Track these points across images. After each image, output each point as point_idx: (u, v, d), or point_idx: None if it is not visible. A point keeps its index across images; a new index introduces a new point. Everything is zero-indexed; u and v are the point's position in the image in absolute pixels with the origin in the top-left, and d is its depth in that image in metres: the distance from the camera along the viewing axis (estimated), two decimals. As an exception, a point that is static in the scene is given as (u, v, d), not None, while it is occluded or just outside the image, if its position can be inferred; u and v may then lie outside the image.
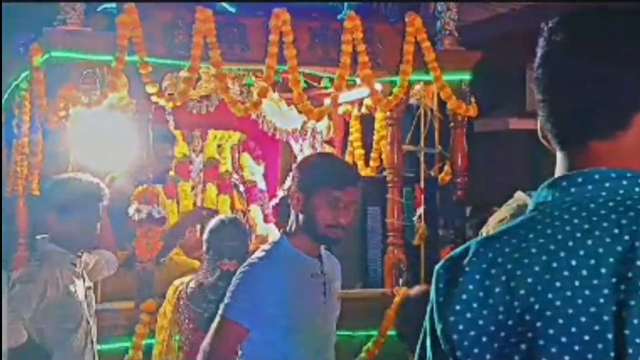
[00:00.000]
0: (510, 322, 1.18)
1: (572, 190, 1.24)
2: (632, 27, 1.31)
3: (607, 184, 1.22)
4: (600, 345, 1.13)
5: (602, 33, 1.30)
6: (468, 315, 1.21)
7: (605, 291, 1.15)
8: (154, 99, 5.37)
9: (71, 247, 4.20)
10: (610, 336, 1.13)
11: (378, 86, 6.02)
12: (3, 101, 6.32)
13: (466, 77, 6.22)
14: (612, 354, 1.12)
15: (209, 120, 7.31)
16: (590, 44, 1.29)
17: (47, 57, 5.30)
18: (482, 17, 12.89)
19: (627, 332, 1.12)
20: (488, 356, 1.19)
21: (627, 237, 1.17)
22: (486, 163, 11.45)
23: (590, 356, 1.13)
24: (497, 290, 1.19)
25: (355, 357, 5.64)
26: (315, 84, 6.17)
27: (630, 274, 1.14)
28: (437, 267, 1.32)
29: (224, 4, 5.84)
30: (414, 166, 6.43)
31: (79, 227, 4.14)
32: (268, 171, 7.93)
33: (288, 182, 8.08)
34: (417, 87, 6.12)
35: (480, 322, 1.20)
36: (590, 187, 1.23)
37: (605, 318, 1.14)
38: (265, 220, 7.59)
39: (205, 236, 4.85)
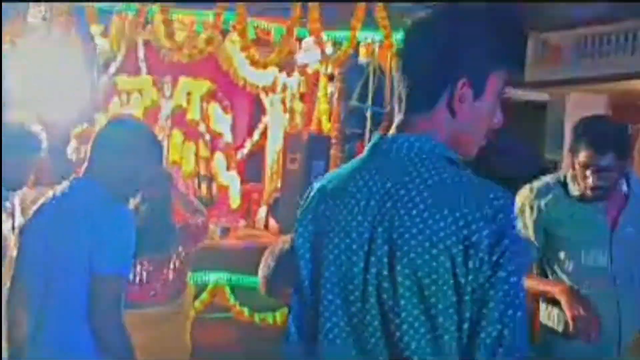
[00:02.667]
0: (319, 231, 1.71)
1: (378, 146, 1.71)
2: (447, 28, 1.69)
3: (395, 145, 1.68)
4: (360, 253, 1.64)
5: (426, 31, 1.71)
6: (304, 222, 1.75)
7: (369, 218, 1.64)
8: (97, 39, 5.45)
9: (4, 184, 4.25)
10: (366, 247, 1.63)
11: (329, 48, 6.06)
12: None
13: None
14: (364, 257, 1.63)
15: (180, 67, 7.36)
16: (418, 39, 1.71)
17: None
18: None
19: (373, 246, 1.62)
20: (308, 255, 1.73)
21: (388, 184, 1.64)
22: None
23: (354, 258, 1.64)
24: (321, 207, 1.72)
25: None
26: (266, 36, 6.20)
27: (383, 209, 1.63)
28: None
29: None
30: (362, 124, 6.48)
31: (12, 169, 4.20)
32: (236, 122, 8.00)
33: (256, 134, 8.25)
34: (368, 44, 6.14)
35: (310, 227, 1.74)
36: (385, 146, 1.69)
37: (366, 236, 1.64)
38: (228, 168, 7.70)
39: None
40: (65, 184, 3.07)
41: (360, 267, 1.64)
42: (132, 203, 4.62)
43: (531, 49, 13.02)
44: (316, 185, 1.79)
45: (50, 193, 3.14)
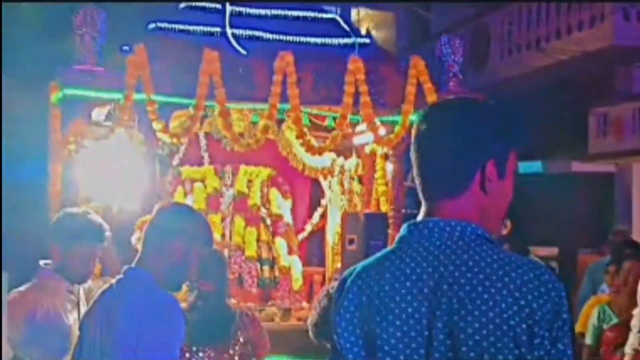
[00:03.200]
0: (367, 322, 1.72)
1: (416, 233, 1.77)
2: (471, 118, 1.82)
3: (437, 230, 1.74)
4: (420, 339, 1.66)
5: (449, 123, 1.81)
6: (347, 316, 1.76)
7: (426, 304, 1.68)
8: (159, 134, 5.71)
9: (68, 277, 4.27)
10: (426, 333, 1.66)
11: (382, 130, 6.22)
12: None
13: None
14: (425, 343, 1.66)
15: (241, 156, 7.57)
16: (442, 129, 1.80)
17: (61, 94, 5.73)
18: (545, 63, 12.99)
19: (433, 331, 1.66)
20: (356, 349, 1.73)
21: (441, 268, 1.70)
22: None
23: (413, 344, 1.67)
24: (363, 299, 1.74)
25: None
26: (320, 122, 6.40)
27: (438, 293, 1.67)
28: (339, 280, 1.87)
29: (236, 45, 6.14)
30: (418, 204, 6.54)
31: (77, 261, 4.22)
32: (296, 206, 8.19)
33: (316, 217, 8.40)
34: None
35: (355, 320, 1.74)
36: (426, 231, 1.75)
37: (424, 322, 1.67)
38: (289, 252, 7.84)
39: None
40: (121, 273, 3.20)
41: (420, 353, 1.67)
42: (190, 297, 4.75)
43: (593, 123, 13.17)
44: (350, 277, 1.80)
45: (109, 283, 3.29)
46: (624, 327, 4.82)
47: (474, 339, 1.62)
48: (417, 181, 1.82)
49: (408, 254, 1.74)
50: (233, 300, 4.96)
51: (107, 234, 4.36)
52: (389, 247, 1.82)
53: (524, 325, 1.62)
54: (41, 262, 4.38)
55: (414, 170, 1.83)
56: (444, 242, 1.72)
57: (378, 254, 1.82)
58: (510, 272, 1.65)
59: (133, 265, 3.19)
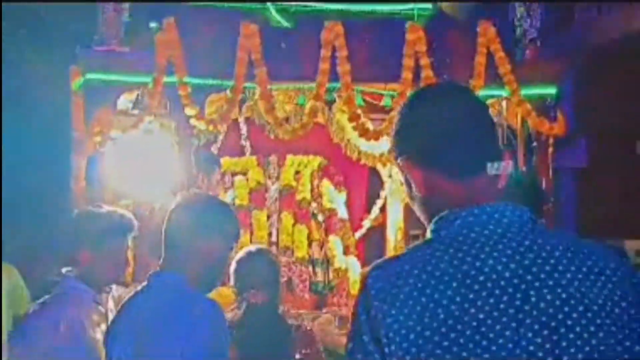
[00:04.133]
0: (434, 325, 1.49)
1: (471, 219, 1.57)
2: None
3: (496, 215, 1.58)
4: (500, 340, 1.48)
5: (474, 103, 1.68)
6: (400, 317, 1.51)
7: (505, 298, 1.50)
8: (193, 122, 5.08)
9: (95, 282, 3.80)
10: (508, 333, 1.48)
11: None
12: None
13: (550, 90, 5.56)
14: (511, 345, 1.48)
15: (287, 144, 6.85)
16: (467, 107, 1.67)
17: (83, 80, 5.14)
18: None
19: (522, 330, 1.49)
20: (414, 349, 1.49)
21: (517, 257, 1.54)
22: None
23: (501, 340, 1.48)
24: (423, 300, 1.51)
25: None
26: (375, 102, 5.71)
27: (523, 286, 1.52)
28: (368, 276, 1.57)
29: (277, 17, 5.50)
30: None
31: (106, 262, 3.76)
32: (351, 199, 7.48)
33: (375, 211, 7.66)
34: (490, 102, 5.55)
35: (410, 323, 1.50)
36: (485, 217, 1.58)
37: (504, 319, 1.49)
38: (345, 252, 7.12)
39: (232, 268, 4.48)
40: (145, 280, 2.86)
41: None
42: (237, 311, 4.24)
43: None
44: (393, 282, 1.53)
45: (135, 290, 2.96)
46: None
47: (582, 338, 1.49)
48: (443, 160, 1.62)
49: (474, 240, 1.56)
50: (282, 307, 4.41)
51: (135, 225, 3.94)
52: (423, 242, 1.61)
53: (625, 308, 1.53)
54: (63, 270, 3.88)
55: (434, 148, 1.63)
56: (508, 230, 1.57)
57: (414, 249, 1.60)
58: (601, 259, 1.57)
59: (158, 269, 2.84)
